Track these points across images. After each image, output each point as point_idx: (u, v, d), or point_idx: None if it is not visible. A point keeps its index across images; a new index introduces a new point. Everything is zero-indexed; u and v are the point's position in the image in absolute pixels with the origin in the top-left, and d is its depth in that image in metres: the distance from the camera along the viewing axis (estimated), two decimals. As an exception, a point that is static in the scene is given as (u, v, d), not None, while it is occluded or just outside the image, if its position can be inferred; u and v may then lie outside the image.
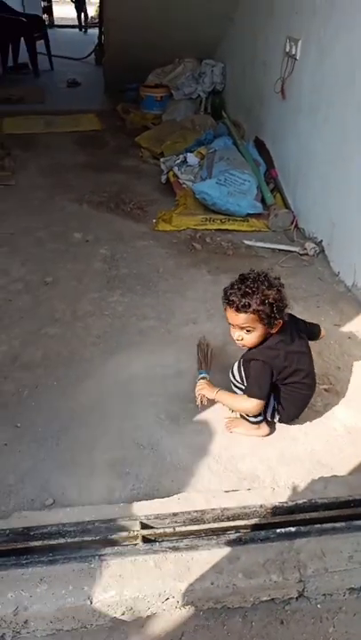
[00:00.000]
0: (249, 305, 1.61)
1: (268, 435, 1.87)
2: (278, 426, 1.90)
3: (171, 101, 5.23)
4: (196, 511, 1.50)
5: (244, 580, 1.37)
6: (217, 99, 5.23)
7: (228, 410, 1.92)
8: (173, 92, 5.21)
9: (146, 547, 1.42)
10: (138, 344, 2.32)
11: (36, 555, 1.40)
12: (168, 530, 1.45)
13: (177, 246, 3.14)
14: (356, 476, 1.71)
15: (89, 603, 1.32)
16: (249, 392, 1.72)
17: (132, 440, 1.84)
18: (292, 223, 3.33)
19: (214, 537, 1.45)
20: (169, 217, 3.39)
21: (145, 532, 1.43)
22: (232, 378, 1.86)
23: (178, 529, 1.45)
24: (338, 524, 1.49)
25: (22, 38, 6.95)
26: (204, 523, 1.48)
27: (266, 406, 1.78)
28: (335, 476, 1.70)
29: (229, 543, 1.44)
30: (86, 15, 10.88)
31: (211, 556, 1.41)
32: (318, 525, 1.48)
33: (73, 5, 10.65)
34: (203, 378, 1.93)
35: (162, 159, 4.20)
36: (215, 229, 3.32)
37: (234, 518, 1.49)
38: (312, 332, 1.91)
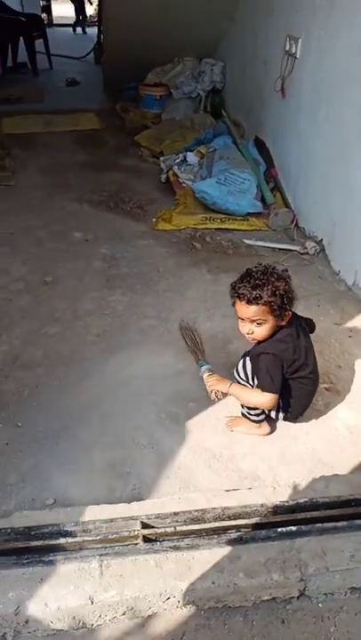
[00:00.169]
0: (260, 297, 1.60)
1: (269, 434, 1.87)
2: (279, 425, 1.90)
3: (170, 100, 5.22)
4: (197, 510, 1.50)
5: (246, 580, 1.37)
6: (217, 98, 5.22)
7: (228, 409, 1.92)
8: (173, 90, 5.20)
9: (147, 546, 1.41)
10: (138, 343, 2.31)
11: (37, 554, 1.40)
12: (169, 529, 1.45)
13: (177, 245, 3.13)
14: (357, 475, 1.71)
15: (90, 603, 1.32)
16: (262, 386, 1.69)
17: (132, 439, 1.84)
18: (292, 222, 3.33)
19: (215, 536, 1.45)
20: (169, 216, 3.38)
21: (146, 531, 1.43)
22: (237, 376, 1.85)
23: (179, 528, 1.45)
24: (339, 524, 1.49)
25: (21, 38, 6.94)
26: (205, 522, 1.47)
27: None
28: (336, 475, 1.70)
29: (230, 542, 1.44)
30: (85, 15, 10.85)
31: (212, 555, 1.41)
32: (320, 524, 1.48)
33: (72, 6, 10.64)
34: (207, 370, 1.89)
35: (161, 158, 4.19)
36: (215, 228, 3.32)
37: (235, 517, 1.49)
38: (311, 325, 1.91)
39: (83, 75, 7.00)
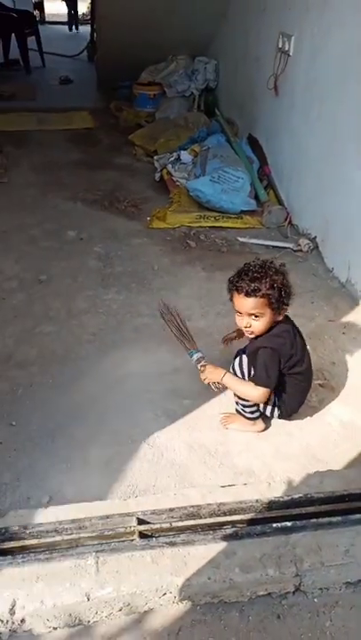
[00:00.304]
0: (258, 289, 1.61)
1: (263, 430, 1.88)
2: (274, 422, 1.91)
3: (164, 99, 5.21)
4: (193, 506, 1.50)
5: (241, 575, 1.37)
6: (210, 96, 5.22)
7: (223, 406, 1.92)
8: (167, 89, 5.20)
9: (142, 542, 1.42)
10: (133, 341, 2.31)
11: (33, 553, 1.39)
12: (165, 525, 1.45)
13: (171, 244, 3.13)
14: (351, 471, 1.72)
15: (86, 599, 1.32)
16: (257, 380, 1.69)
17: (128, 437, 1.84)
18: (285, 220, 3.34)
19: (211, 532, 1.45)
20: (163, 214, 3.38)
21: (141, 527, 1.43)
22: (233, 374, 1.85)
23: (174, 524, 1.45)
24: (334, 519, 1.49)
25: (13, 34, 6.89)
26: (201, 518, 1.48)
27: (266, 403, 1.79)
28: (331, 470, 1.71)
29: (226, 538, 1.45)
30: (76, 12, 10.78)
31: (207, 550, 1.42)
32: (314, 520, 1.49)
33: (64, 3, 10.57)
34: (199, 359, 1.85)
35: (155, 157, 4.19)
36: (209, 227, 3.32)
37: (230, 513, 1.49)
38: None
39: (76, 73, 6.97)
